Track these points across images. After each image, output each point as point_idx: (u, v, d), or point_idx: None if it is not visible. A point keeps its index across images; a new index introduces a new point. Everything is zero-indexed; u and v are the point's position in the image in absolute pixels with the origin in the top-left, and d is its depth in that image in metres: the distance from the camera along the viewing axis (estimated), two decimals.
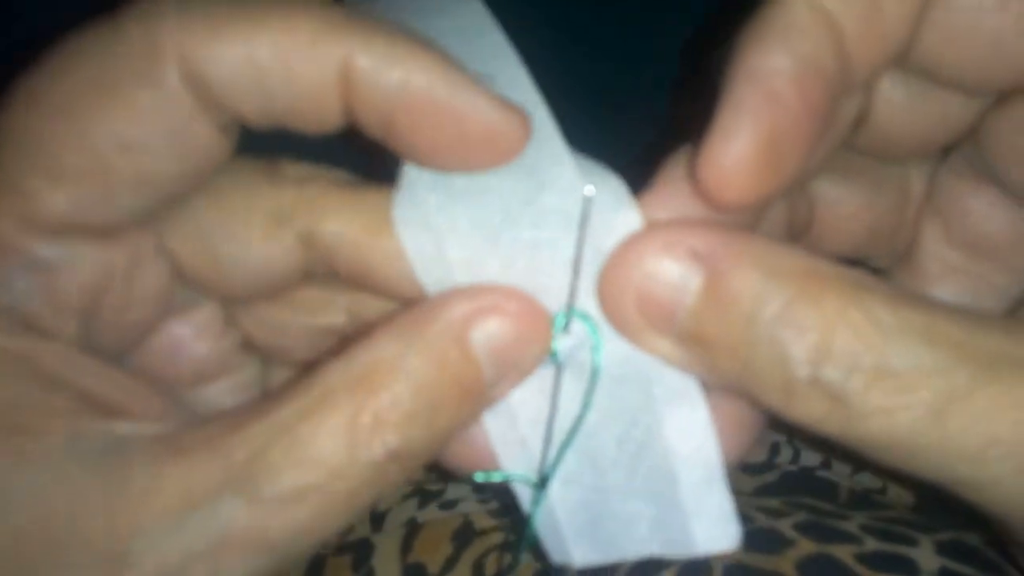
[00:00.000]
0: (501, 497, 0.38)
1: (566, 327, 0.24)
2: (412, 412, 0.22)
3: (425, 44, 0.23)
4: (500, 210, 0.24)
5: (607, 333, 0.24)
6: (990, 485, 0.20)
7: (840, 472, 0.40)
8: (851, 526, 0.31)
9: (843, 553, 0.29)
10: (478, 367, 0.23)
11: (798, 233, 0.30)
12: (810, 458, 0.40)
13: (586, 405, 0.25)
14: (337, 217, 0.25)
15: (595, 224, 0.24)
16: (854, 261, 0.32)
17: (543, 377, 0.25)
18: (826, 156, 0.27)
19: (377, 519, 0.40)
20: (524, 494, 0.26)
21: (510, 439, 0.26)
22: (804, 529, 0.31)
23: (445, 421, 0.23)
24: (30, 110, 0.22)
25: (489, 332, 0.23)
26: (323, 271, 0.26)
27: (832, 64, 0.22)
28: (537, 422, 0.25)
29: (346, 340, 0.26)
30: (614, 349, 0.24)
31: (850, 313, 0.21)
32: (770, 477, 0.39)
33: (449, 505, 0.39)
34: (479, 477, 0.26)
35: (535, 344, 0.24)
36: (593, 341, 0.24)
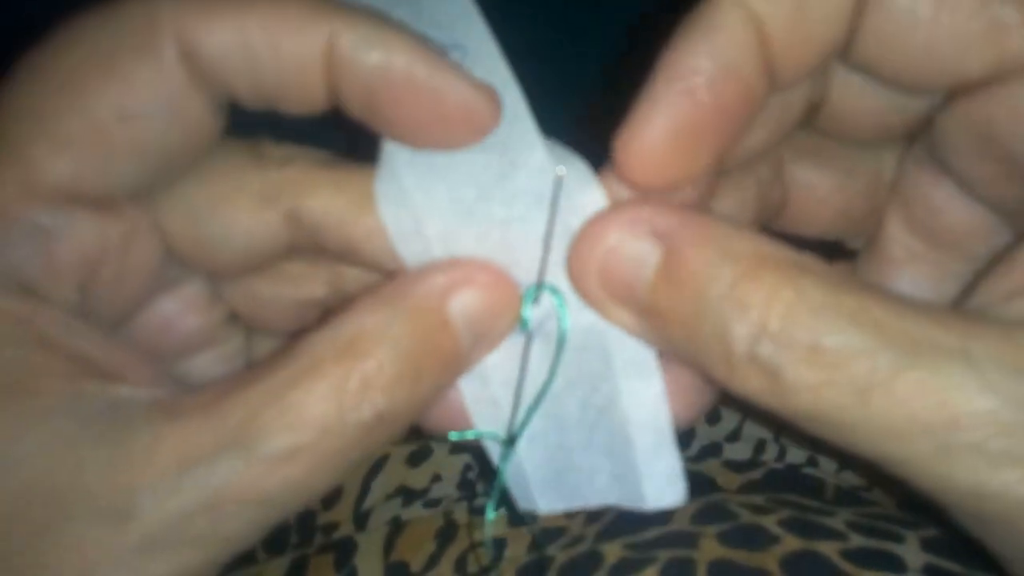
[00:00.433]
0: (478, 458, 0.39)
1: (536, 299, 0.26)
2: (397, 376, 0.23)
3: (404, 28, 0.24)
4: (475, 188, 0.25)
5: (573, 306, 0.26)
6: (912, 462, 0.21)
7: (826, 469, 0.39)
8: (836, 522, 0.31)
9: (828, 549, 0.29)
10: (456, 335, 0.24)
11: (772, 214, 0.31)
12: (796, 455, 0.40)
13: (552, 371, 0.26)
14: (321, 195, 0.26)
15: (563, 203, 0.25)
16: (829, 242, 0.33)
17: (514, 344, 0.27)
18: (774, 140, 0.28)
19: (361, 518, 0.39)
20: (495, 450, 0.28)
21: (483, 400, 0.28)
22: (789, 525, 0.30)
23: (427, 384, 0.24)
24: (34, 83, 0.23)
25: (465, 302, 0.24)
26: (307, 246, 0.27)
27: (752, 66, 0.24)
28: (508, 384, 0.27)
29: (330, 311, 0.29)
30: (579, 321, 0.26)
31: (784, 292, 0.22)
32: (756, 475, 0.39)
33: (434, 503, 0.39)
34: (453, 435, 0.28)
35: (507, 314, 0.26)
36: (560, 313, 0.26)
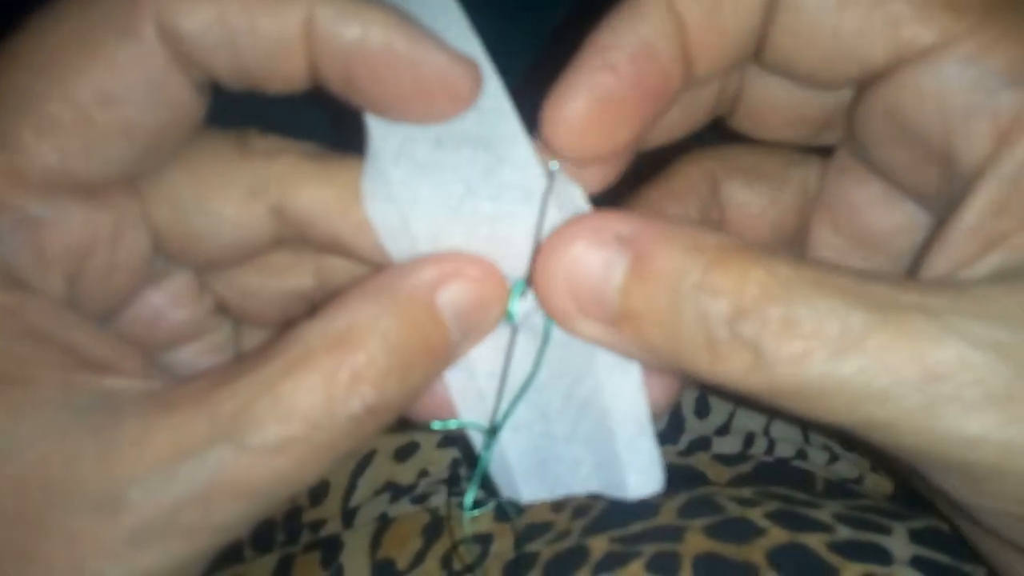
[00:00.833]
0: (466, 453, 0.38)
1: (523, 293, 0.26)
2: (387, 369, 0.23)
3: (381, 2, 0.24)
4: (461, 184, 0.25)
5: None
6: (896, 422, 0.22)
7: (816, 462, 0.39)
8: (823, 515, 0.30)
9: (815, 542, 0.28)
10: (444, 327, 0.24)
11: None
12: (785, 449, 0.39)
13: (537, 363, 0.27)
14: (308, 188, 0.26)
15: (551, 198, 0.25)
16: None
17: (500, 337, 0.27)
18: (687, 127, 0.30)
19: (349, 515, 0.39)
20: (479, 440, 0.29)
21: (468, 391, 0.28)
22: (775, 518, 0.30)
23: (416, 376, 0.24)
24: (16, 69, 0.23)
25: (454, 295, 0.24)
26: (294, 238, 0.27)
27: (669, 51, 0.25)
28: (493, 376, 0.27)
29: (319, 303, 0.28)
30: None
31: (755, 271, 0.22)
32: (745, 468, 0.38)
33: (421, 499, 0.38)
34: (436, 425, 0.28)
35: (494, 307, 0.26)
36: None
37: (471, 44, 0.26)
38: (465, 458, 0.40)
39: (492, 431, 0.28)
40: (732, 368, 0.23)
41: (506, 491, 0.30)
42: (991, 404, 0.21)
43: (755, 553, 0.28)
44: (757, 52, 0.27)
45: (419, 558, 0.35)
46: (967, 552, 0.29)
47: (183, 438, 0.22)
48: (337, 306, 0.24)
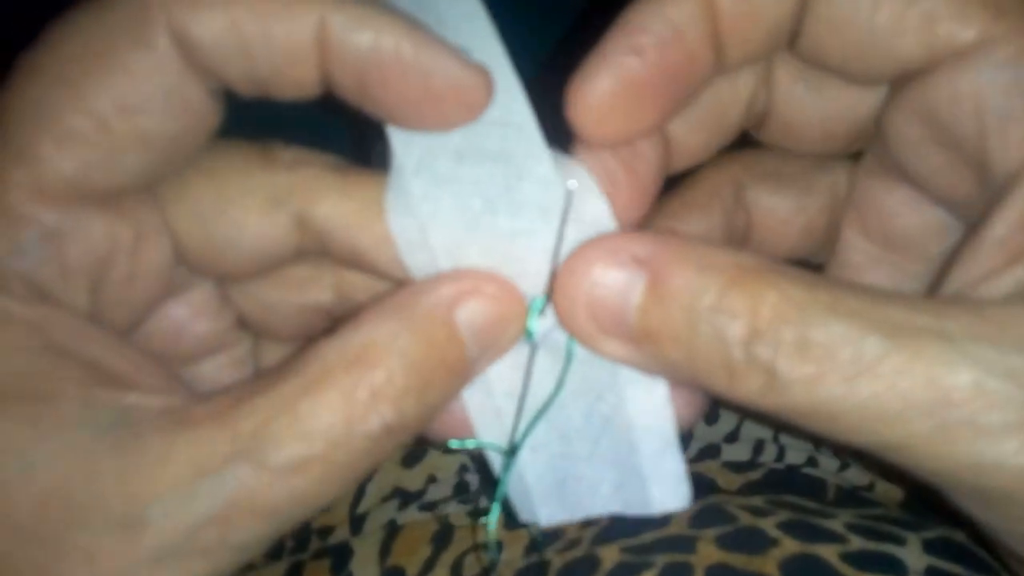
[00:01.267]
0: (481, 468, 0.38)
1: (542, 310, 0.25)
2: (405, 388, 0.23)
3: (393, 9, 0.24)
4: (480, 199, 0.25)
5: None
6: (911, 446, 0.21)
7: (827, 469, 0.39)
8: (836, 525, 0.30)
9: (827, 553, 0.28)
10: (462, 345, 0.24)
11: (739, 241, 0.32)
12: (795, 456, 0.39)
13: (560, 383, 0.26)
14: (330, 200, 0.26)
15: (568, 215, 0.25)
16: (795, 262, 0.34)
17: (518, 355, 0.26)
18: (713, 144, 0.30)
19: (357, 521, 0.38)
20: (497, 460, 0.28)
21: (486, 409, 0.27)
22: (787, 528, 0.29)
23: (434, 395, 0.24)
24: (33, 81, 0.23)
25: (472, 313, 0.24)
26: (315, 251, 0.27)
27: (698, 35, 0.25)
28: (511, 394, 0.27)
29: (338, 318, 0.28)
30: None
31: (769, 294, 0.22)
32: (755, 475, 0.38)
33: (429, 507, 0.38)
34: (454, 444, 0.27)
35: (512, 324, 0.25)
36: None
37: (496, 53, 0.25)
38: (474, 464, 0.39)
39: (511, 451, 0.28)
40: (748, 388, 0.22)
41: (524, 513, 0.30)
42: (1007, 431, 0.21)
43: (768, 564, 0.28)
44: (790, 41, 0.26)
45: (428, 566, 0.35)
46: (981, 562, 0.29)
47: (203, 457, 0.22)
48: (355, 324, 0.24)
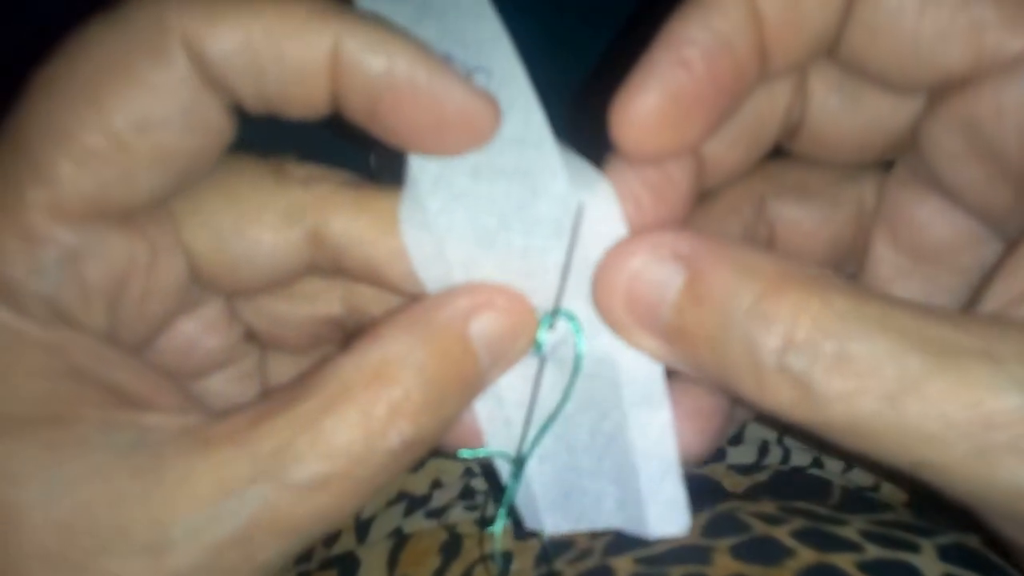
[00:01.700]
0: (487, 473, 0.38)
1: (551, 325, 0.26)
2: (422, 403, 0.23)
3: (406, 34, 0.24)
4: (496, 216, 0.25)
5: (587, 334, 0.26)
6: (950, 467, 0.21)
7: (832, 471, 0.38)
8: (850, 532, 0.29)
9: (844, 562, 0.28)
10: (476, 358, 0.24)
11: None
12: (801, 458, 0.38)
13: (566, 395, 0.26)
14: (344, 216, 0.25)
15: (583, 231, 0.25)
16: None
17: (526, 367, 0.26)
18: (751, 158, 0.29)
19: (362, 528, 0.38)
20: (505, 469, 0.28)
21: (496, 420, 0.27)
22: (802, 537, 0.29)
23: (450, 409, 0.24)
24: (50, 98, 0.23)
25: (485, 325, 0.24)
26: (327, 265, 0.27)
27: (745, 44, 0.24)
28: (521, 406, 0.27)
29: (351, 332, 0.28)
30: (592, 349, 0.26)
31: (811, 303, 0.21)
32: (761, 477, 0.38)
33: (436, 514, 0.38)
34: (465, 453, 0.28)
35: (523, 336, 0.25)
36: (577, 338, 0.26)
37: (516, 73, 0.25)
38: (480, 469, 0.39)
39: (519, 461, 0.27)
40: (779, 399, 0.22)
41: (529, 521, 0.30)
42: None
43: (785, 575, 0.27)
44: (831, 47, 0.26)
45: None
46: (996, 568, 0.29)
47: (225, 477, 0.22)
48: (371, 339, 0.23)
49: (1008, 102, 0.24)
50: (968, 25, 0.24)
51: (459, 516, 0.37)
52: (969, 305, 0.26)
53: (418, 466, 0.39)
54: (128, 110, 0.22)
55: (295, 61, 0.23)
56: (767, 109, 0.27)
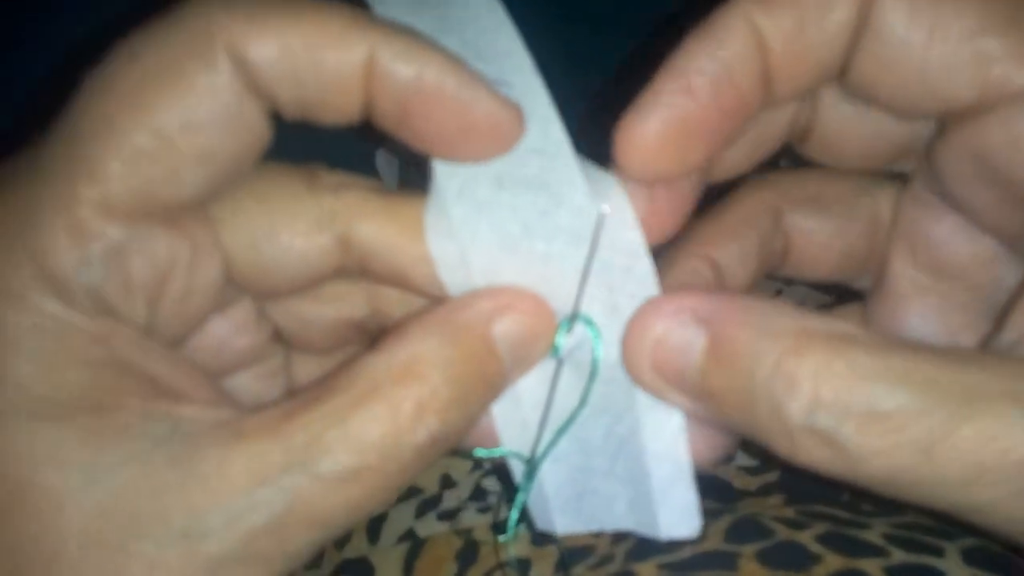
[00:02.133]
0: (497, 471, 0.38)
1: (569, 329, 0.26)
2: (449, 400, 0.23)
3: (436, 43, 0.24)
4: (519, 224, 0.26)
5: (604, 339, 0.26)
6: (988, 510, 0.21)
7: None
8: (874, 536, 0.29)
9: (871, 567, 0.27)
10: (499, 359, 0.25)
11: (776, 264, 0.31)
12: None
13: (583, 401, 0.27)
14: (373, 223, 0.26)
15: (602, 239, 0.25)
16: (834, 284, 0.34)
17: (543, 370, 0.27)
18: (757, 156, 0.29)
19: (373, 527, 0.37)
20: (519, 469, 0.29)
21: (513, 420, 0.28)
22: (827, 541, 0.29)
23: (474, 407, 0.25)
24: (102, 99, 0.23)
25: (508, 327, 0.25)
26: (354, 269, 0.27)
27: (750, 75, 0.25)
28: (537, 407, 0.27)
29: (371, 333, 0.29)
30: (608, 355, 0.26)
31: (835, 364, 0.22)
32: (771, 477, 0.37)
33: (448, 515, 0.37)
34: (481, 452, 0.28)
35: (544, 339, 0.26)
36: (594, 343, 0.26)
37: (535, 85, 0.26)
38: (489, 465, 0.39)
39: (533, 462, 0.28)
40: (812, 457, 0.22)
41: (541, 521, 0.30)
42: None
43: None
44: (838, 75, 0.26)
45: None
46: (1020, 572, 0.28)
47: (259, 467, 0.22)
48: (399, 338, 0.24)
49: (1017, 133, 0.24)
50: (974, 57, 0.24)
51: (472, 519, 0.37)
52: (990, 333, 0.27)
53: None
54: (175, 111, 0.23)
55: (332, 69, 0.23)
56: (776, 114, 0.28)
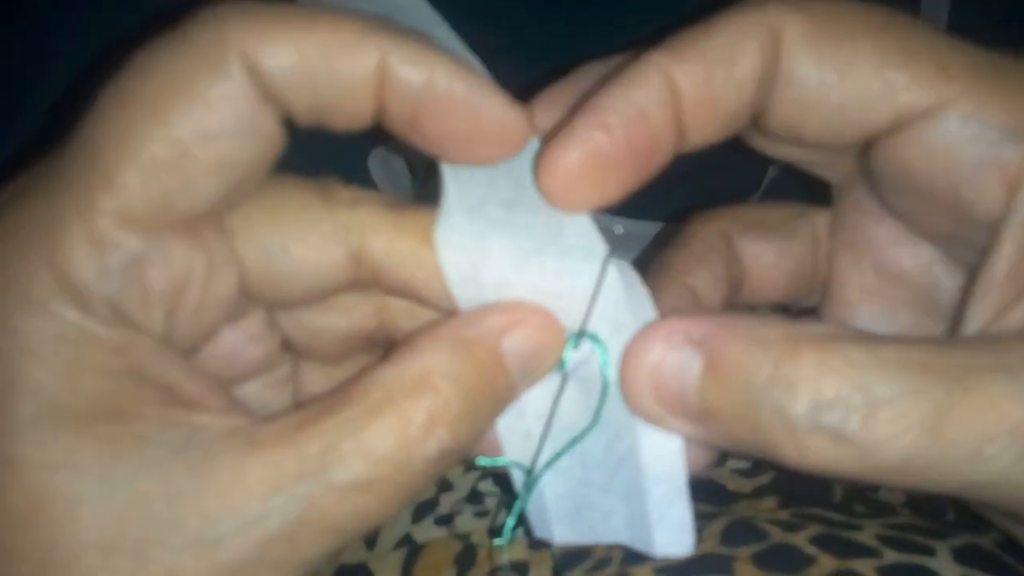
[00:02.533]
0: (495, 476, 0.38)
1: (577, 345, 0.26)
2: (459, 412, 0.24)
3: (445, 48, 0.25)
4: (532, 240, 0.26)
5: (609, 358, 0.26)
6: (998, 483, 0.22)
7: None
8: (866, 537, 0.29)
9: (865, 568, 0.28)
10: (508, 373, 0.25)
11: (735, 290, 0.33)
12: None
13: (595, 418, 0.27)
14: (386, 237, 0.26)
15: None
16: (785, 307, 0.36)
17: (548, 383, 0.27)
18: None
19: (370, 534, 0.37)
20: (519, 478, 0.29)
21: (516, 431, 0.28)
22: (821, 543, 0.29)
23: (483, 419, 0.25)
24: (118, 110, 0.23)
25: (517, 342, 0.25)
26: (366, 282, 0.27)
27: (662, 118, 0.26)
28: (540, 418, 0.28)
29: (384, 346, 0.30)
30: (611, 373, 0.26)
31: (831, 361, 0.22)
32: (764, 479, 0.38)
33: (445, 520, 0.37)
34: (483, 461, 0.28)
35: (552, 354, 0.26)
36: (602, 359, 0.26)
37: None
38: (484, 470, 0.39)
39: (535, 473, 0.28)
40: (822, 457, 0.22)
41: (539, 530, 0.30)
42: None
43: None
44: (758, 119, 0.27)
45: None
46: (1011, 569, 0.29)
47: (274, 475, 0.22)
48: (410, 350, 0.24)
49: (932, 145, 0.25)
50: (883, 89, 0.25)
51: (469, 523, 0.37)
52: (950, 330, 0.28)
53: None
54: (190, 121, 0.23)
55: (345, 75, 0.24)
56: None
